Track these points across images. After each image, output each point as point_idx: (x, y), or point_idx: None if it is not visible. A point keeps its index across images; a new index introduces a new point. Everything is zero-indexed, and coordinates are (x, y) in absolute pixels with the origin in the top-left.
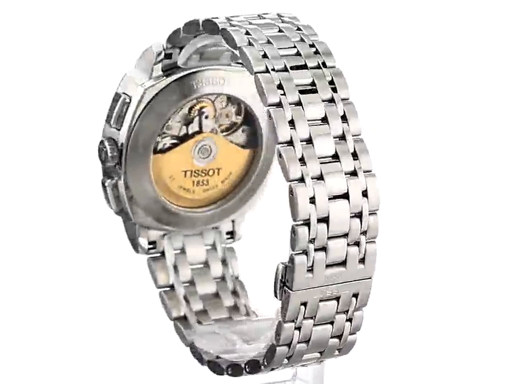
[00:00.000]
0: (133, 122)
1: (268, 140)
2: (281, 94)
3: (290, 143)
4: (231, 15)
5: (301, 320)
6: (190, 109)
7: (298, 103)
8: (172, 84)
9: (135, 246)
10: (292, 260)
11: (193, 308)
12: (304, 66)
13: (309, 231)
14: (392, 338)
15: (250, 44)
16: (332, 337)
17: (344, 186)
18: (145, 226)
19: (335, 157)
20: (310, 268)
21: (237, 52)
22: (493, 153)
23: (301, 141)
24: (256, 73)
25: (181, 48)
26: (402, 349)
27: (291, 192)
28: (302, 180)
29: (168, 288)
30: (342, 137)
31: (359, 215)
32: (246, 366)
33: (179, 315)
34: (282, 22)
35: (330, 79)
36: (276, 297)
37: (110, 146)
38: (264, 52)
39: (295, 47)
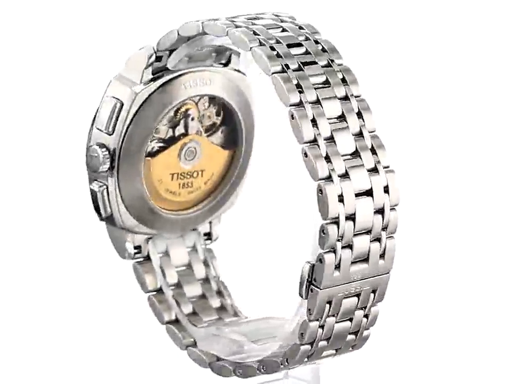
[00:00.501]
0: (126, 127)
1: (247, 139)
2: (300, 93)
3: (314, 141)
4: (226, 16)
5: (325, 318)
6: (176, 111)
7: (317, 102)
8: (162, 87)
9: (122, 251)
10: (321, 258)
11: (184, 310)
12: (316, 64)
13: (338, 229)
14: (388, 337)
15: (261, 44)
16: (349, 334)
17: (368, 183)
18: (132, 230)
19: (356, 154)
20: (337, 266)
21: (247, 53)
22: (494, 150)
23: (323, 139)
24: (273, 73)
25: (171, 51)
26: (399, 346)
27: (320, 191)
28: (329, 178)
29: (156, 292)
30: (360, 134)
31: (381, 211)
32: (262, 366)
33: (171, 318)
34: (282, 22)
35: (341, 76)
36: (301, 296)
37: (102, 152)
38: (277, 52)
39: (303, 45)
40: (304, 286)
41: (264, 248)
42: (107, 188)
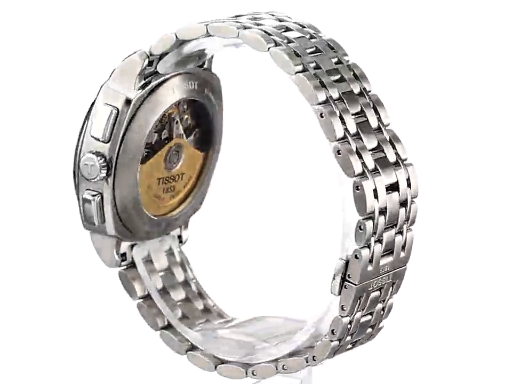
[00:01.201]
0: (122, 134)
1: (218, 140)
2: (325, 91)
3: (344, 138)
4: (219, 16)
5: (354, 314)
6: (163, 115)
7: (339, 98)
8: (154, 92)
9: (109, 260)
10: (357, 254)
11: (176, 315)
12: (330, 62)
13: (373, 224)
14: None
15: (277, 44)
16: (369, 327)
17: (395, 177)
18: (121, 238)
19: (379, 148)
20: (370, 260)
21: (263, 54)
22: (494, 146)
23: (352, 136)
24: (297, 72)
25: (161, 55)
26: (389, 343)
27: (357, 187)
28: (363, 174)
29: (145, 299)
30: (379, 129)
31: (405, 204)
32: (283, 366)
33: (164, 324)
34: (281, 21)
35: (353, 72)
36: (334, 293)
37: (98, 161)
38: (294, 51)
39: (312, 44)
40: (338, 283)
41: (233, 248)
42: (102, 196)
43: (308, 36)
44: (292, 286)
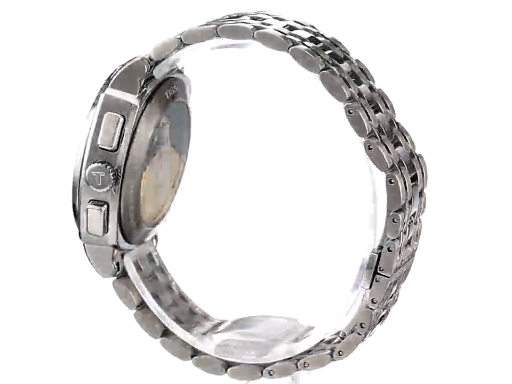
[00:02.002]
0: (129, 142)
1: (190, 141)
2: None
3: (372, 133)
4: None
5: (382, 305)
6: (158, 120)
7: (360, 94)
8: (153, 97)
9: (106, 270)
10: (389, 247)
11: (173, 319)
12: (339, 57)
13: (404, 216)
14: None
15: (294, 43)
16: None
17: (414, 169)
18: (120, 247)
19: (397, 140)
20: (400, 252)
21: (283, 53)
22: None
23: (377, 130)
24: (322, 70)
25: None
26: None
27: (390, 181)
28: (394, 167)
29: (141, 307)
30: (391, 122)
31: (421, 194)
32: (304, 363)
33: (162, 331)
34: (281, 20)
35: (359, 67)
36: (365, 287)
37: (108, 171)
38: (311, 49)
39: (320, 41)
40: (371, 276)
41: (200, 250)
42: (108, 206)
43: (311, 33)
44: (267, 285)
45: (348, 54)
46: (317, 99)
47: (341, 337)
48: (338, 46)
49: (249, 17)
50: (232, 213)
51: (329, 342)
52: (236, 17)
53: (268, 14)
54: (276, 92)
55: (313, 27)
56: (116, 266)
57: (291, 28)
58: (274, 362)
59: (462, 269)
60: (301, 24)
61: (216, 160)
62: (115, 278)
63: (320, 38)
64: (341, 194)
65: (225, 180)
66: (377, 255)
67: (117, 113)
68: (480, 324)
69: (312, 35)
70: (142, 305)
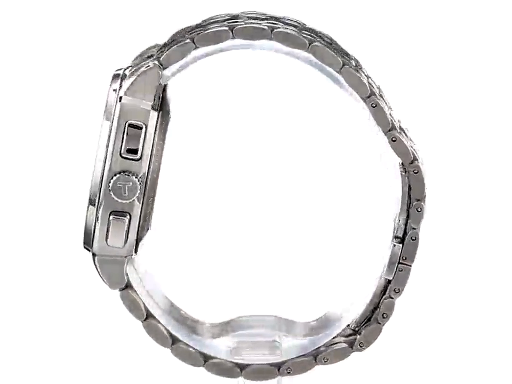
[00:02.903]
0: (151, 150)
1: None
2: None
3: (393, 126)
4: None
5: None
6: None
7: (378, 88)
8: (165, 101)
9: (118, 280)
10: (414, 236)
11: (177, 326)
12: (344, 53)
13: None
14: None
15: (312, 41)
16: None
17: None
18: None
19: (405, 133)
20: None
21: (304, 52)
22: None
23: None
24: (343, 67)
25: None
26: None
27: (415, 171)
28: (416, 158)
29: (148, 316)
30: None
31: None
32: (323, 358)
33: (172, 339)
34: (279, 20)
35: (360, 63)
36: (388, 278)
37: (135, 181)
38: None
39: (323, 39)
40: (395, 268)
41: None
42: (130, 217)
43: (311, 32)
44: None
45: (347, 51)
46: (331, 96)
47: (355, 330)
48: (336, 43)
49: (249, 17)
50: (240, 216)
51: (344, 335)
52: (228, 19)
53: (265, 14)
54: (283, 91)
55: (300, 21)
56: (126, 275)
57: (294, 26)
58: (287, 360)
59: (462, 269)
60: (301, 24)
61: (223, 159)
62: (121, 289)
63: (317, 36)
64: (364, 187)
65: (227, 180)
66: (401, 246)
67: (138, 121)
68: (480, 324)
69: (317, 34)
70: (148, 316)
